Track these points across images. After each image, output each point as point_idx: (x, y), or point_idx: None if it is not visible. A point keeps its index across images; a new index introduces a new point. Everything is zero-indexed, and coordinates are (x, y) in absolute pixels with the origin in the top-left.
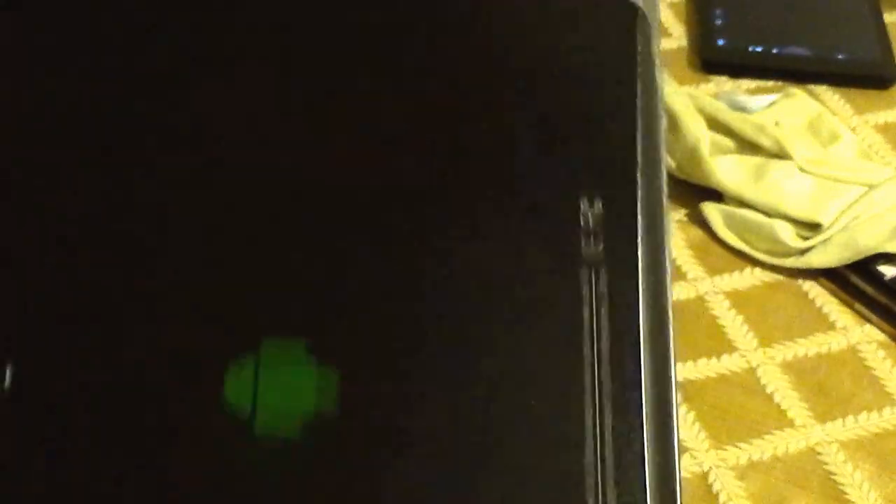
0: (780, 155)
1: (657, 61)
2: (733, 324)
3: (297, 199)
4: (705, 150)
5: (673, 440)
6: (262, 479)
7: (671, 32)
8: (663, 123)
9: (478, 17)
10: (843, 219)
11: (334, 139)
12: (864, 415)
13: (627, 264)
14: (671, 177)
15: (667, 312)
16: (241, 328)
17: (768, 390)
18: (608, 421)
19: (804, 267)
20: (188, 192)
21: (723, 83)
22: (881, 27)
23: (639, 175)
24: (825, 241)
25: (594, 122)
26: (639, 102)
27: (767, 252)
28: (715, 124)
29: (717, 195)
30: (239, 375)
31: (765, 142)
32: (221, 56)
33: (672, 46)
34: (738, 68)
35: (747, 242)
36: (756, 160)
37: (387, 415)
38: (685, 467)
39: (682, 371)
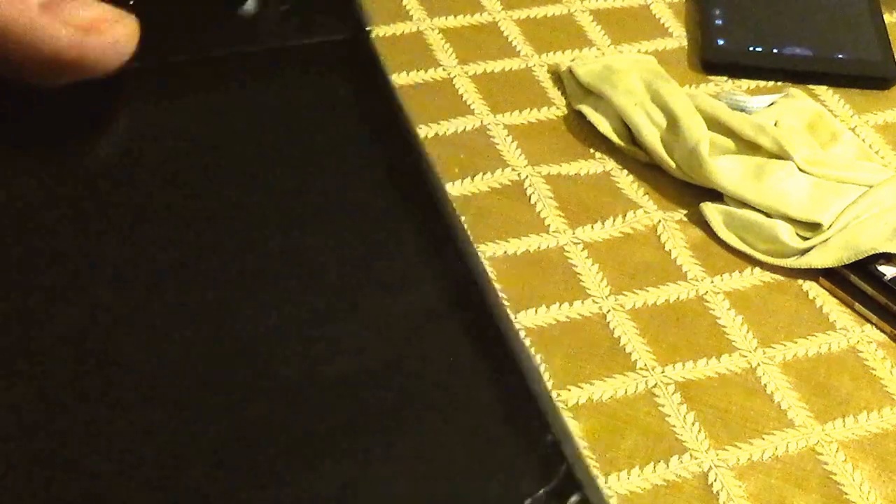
0: (780, 155)
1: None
2: (733, 324)
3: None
4: (705, 150)
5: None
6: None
7: (671, 32)
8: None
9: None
10: (843, 219)
11: None
12: (863, 415)
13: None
14: (671, 177)
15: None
16: None
17: (768, 390)
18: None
19: (804, 267)
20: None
21: (723, 83)
22: (881, 27)
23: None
24: (825, 241)
25: None
26: None
27: (767, 252)
28: (715, 124)
29: (717, 195)
30: None
31: (765, 142)
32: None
33: (672, 46)
34: (738, 68)
35: (747, 242)
36: (756, 160)
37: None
38: (685, 467)
39: (682, 371)
